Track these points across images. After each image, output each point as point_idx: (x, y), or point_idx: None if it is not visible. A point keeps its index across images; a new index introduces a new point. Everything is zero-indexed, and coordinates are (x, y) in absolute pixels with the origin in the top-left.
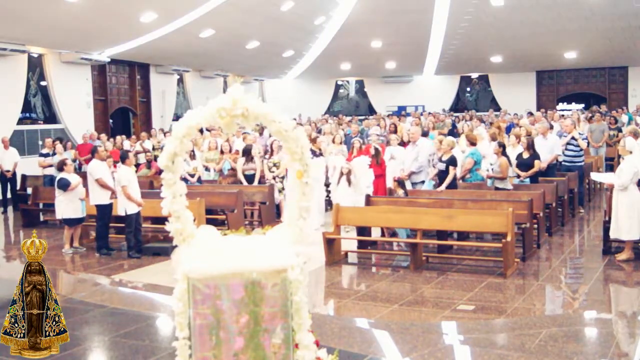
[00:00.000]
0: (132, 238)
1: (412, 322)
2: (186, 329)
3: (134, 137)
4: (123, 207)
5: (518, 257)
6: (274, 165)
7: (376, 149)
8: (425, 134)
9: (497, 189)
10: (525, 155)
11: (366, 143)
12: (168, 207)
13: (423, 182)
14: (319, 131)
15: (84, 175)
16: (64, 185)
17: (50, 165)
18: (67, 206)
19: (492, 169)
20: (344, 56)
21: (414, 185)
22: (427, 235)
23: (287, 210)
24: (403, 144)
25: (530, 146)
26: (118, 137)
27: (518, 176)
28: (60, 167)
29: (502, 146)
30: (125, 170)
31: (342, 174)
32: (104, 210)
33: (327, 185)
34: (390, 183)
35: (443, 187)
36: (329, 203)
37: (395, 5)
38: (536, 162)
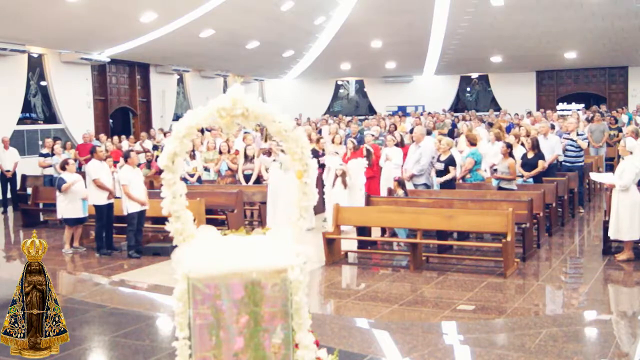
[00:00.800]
0: (132, 237)
1: (412, 322)
2: (186, 329)
3: (132, 137)
4: (125, 207)
5: (518, 257)
6: None
7: (368, 150)
8: (428, 133)
9: (502, 189)
10: (530, 155)
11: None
12: (168, 207)
13: (424, 184)
14: (319, 132)
15: (84, 175)
16: (59, 185)
17: (50, 166)
18: (67, 206)
19: (496, 169)
20: (344, 56)
21: (415, 187)
22: (427, 235)
23: (273, 213)
24: (398, 145)
25: (535, 146)
26: (116, 137)
27: (521, 176)
28: (63, 166)
29: (509, 147)
30: (126, 169)
31: (336, 175)
32: (102, 211)
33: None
34: (382, 185)
35: (441, 179)
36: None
37: (395, 5)
38: (540, 162)
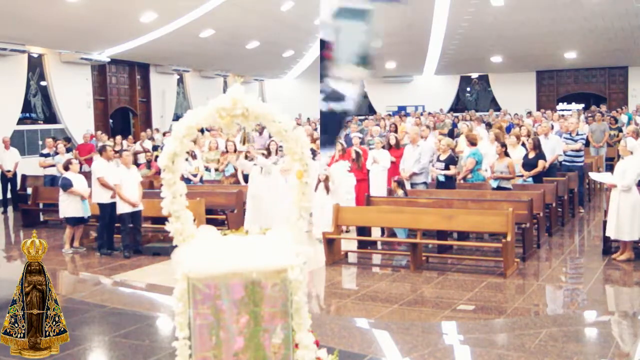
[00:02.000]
0: (125, 237)
1: (412, 322)
2: (186, 329)
3: (130, 137)
4: (120, 206)
5: (518, 257)
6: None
7: (357, 153)
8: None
9: (501, 188)
10: (532, 155)
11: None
12: (168, 207)
13: (425, 183)
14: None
15: (86, 175)
16: (64, 186)
17: (52, 165)
18: (68, 205)
19: (494, 169)
20: None
21: (414, 187)
22: (427, 235)
23: (253, 218)
24: (391, 147)
25: (537, 146)
26: (118, 137)
27: (521, 175)
28: (66, 166)
29: (504, 146)
30: (121, 169)
31: (319, 180)
32: (105, 209)
33: None
34: (372, 187)
35: (440, 172)
36: None
37: (396, 5)
38: (540, 162)
